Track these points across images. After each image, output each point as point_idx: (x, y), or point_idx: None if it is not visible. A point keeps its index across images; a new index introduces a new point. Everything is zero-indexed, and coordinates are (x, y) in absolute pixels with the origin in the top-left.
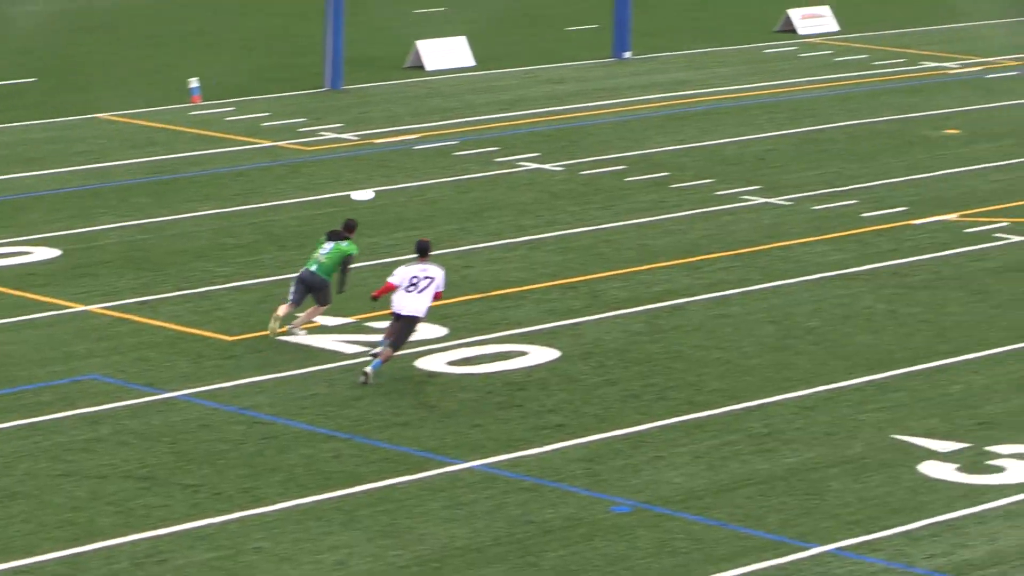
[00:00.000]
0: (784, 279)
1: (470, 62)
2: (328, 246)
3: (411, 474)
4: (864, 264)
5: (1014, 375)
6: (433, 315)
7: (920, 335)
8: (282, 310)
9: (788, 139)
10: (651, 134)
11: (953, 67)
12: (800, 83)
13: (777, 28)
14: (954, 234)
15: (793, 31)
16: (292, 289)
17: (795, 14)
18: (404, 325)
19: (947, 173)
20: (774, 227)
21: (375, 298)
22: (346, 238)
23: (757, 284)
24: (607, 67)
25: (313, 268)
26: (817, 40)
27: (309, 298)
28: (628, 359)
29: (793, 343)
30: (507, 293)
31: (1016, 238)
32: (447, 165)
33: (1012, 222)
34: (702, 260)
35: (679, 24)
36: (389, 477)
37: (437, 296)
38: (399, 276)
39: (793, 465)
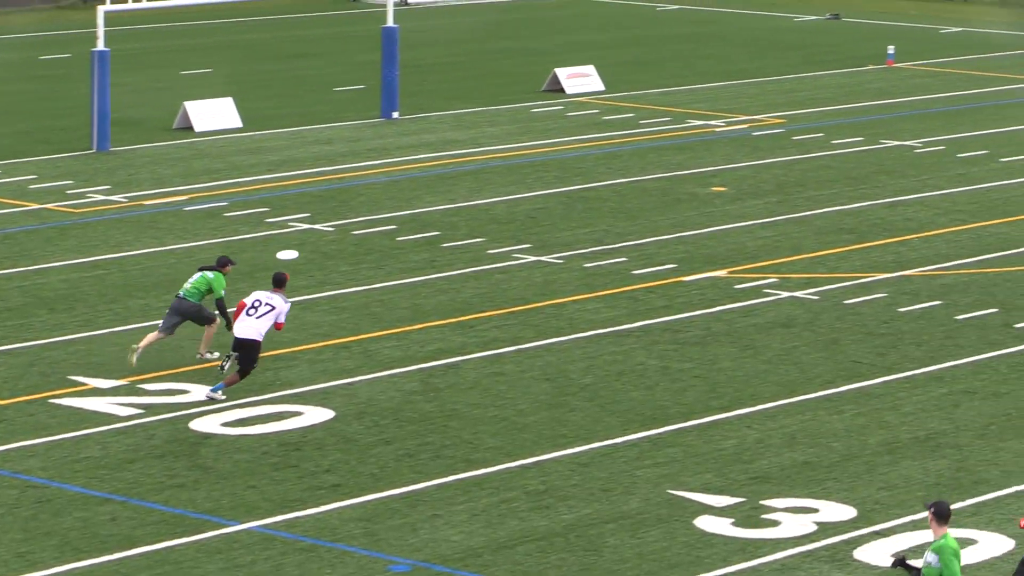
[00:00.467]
0: (557, 336)
1: (238, 123)
2: (196, 276)
3: (188, 536)
4: (636, 321)
5: (786, 429)
6: (206, 377)
7: (693, 391)
8: (148, 338)
9: (557, 197)
10: (421, 194)
11: (718, 125)
12: (568, 142)
13: (544, 88)
14: (723, 290)
15: (560, 90)
16: (163, 319)
17: (562, 73)
18: (244, 351)
19: (715, 230)
20: (546, 285)
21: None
22: (214, 270)
23: (531, 342)
24: (376, 127)
25: (181, 294)
26: (584, 99)
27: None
28: (403, 418)
29: (568, 400)
30: (280, 354)
31: (784, 294)
32: (217, 226)
33: (780, 278)
34: (475, 319)
35: (447, 85)
36: (166, 539)
37: (278, 327)
38: (249, 299)
39: (571, 521)
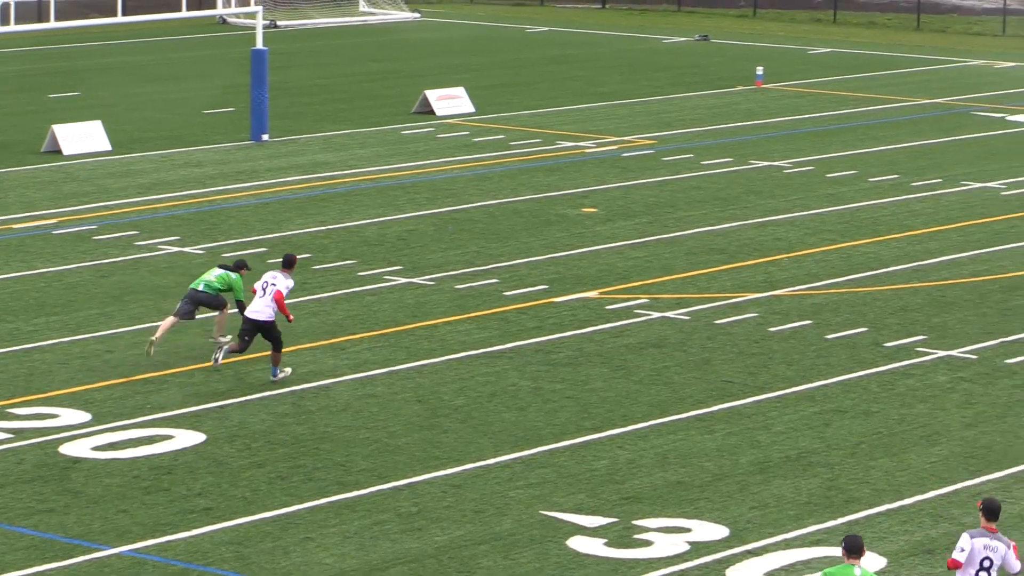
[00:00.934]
0: (429, 358)
1: (107, 147)
2: (216, 272)
3: (58, 561)
4: (508, 342)
5: (657, 450)
6: (75, 400)
7: (565, 411)
8: (163, 326)
9: (428, 219)
10: (292, 216)
11: (589, 147)
12: (438, 164)
13: (414, 110)
14: (595, 311)
15: (431, 112)
16: (178, 305)
17: (432, 95)
18: (261, 331)
19: (586, 251)
20: (418, 307)
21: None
22: (233, 270)
23: (403, 363)
24: (246, 150)
25: (199, 288)
26: (454, 121)
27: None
28: (275, 441)
29: (440, 421)
30: (150, 377)
31: (655, 314)
32: (87, 250)
33: (651, 298)
34: (346, 341)
35: (316, 107)
36: (36, 565)
37: (276, 296)
38: (259, 281)
39: (443, 543)
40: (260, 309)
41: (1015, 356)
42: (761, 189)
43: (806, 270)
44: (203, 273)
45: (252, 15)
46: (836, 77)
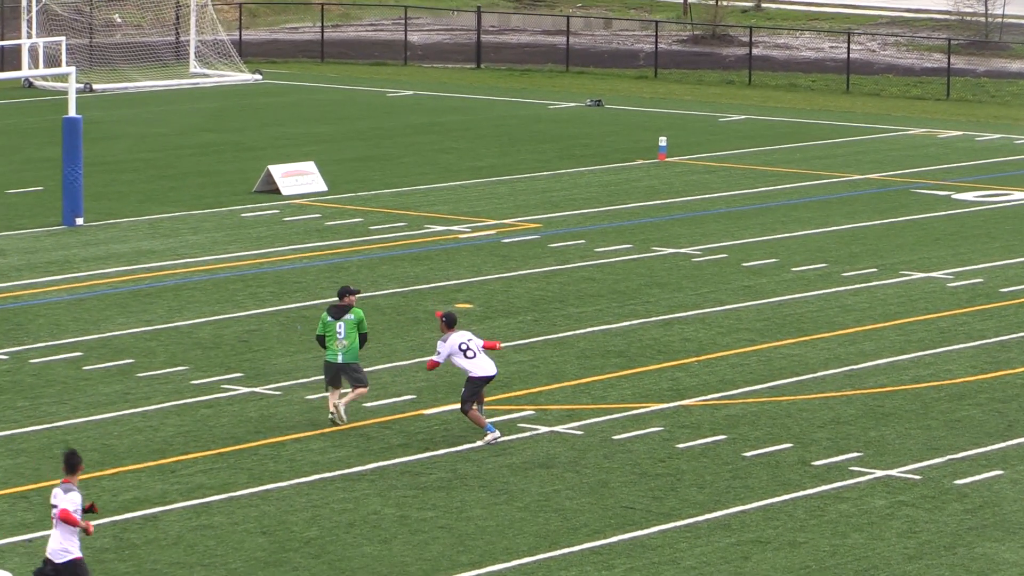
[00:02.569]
0: (276, 482)
1: None
2: (341, 327)
3: None
4: (369, 462)
5: None
6: None
7: (437, 543)
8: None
9: (273, 317)
10: (112, 314)
11: (463, 231)
12: (286, 252)
13: (256, 188)
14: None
15: (276, 191)
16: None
17: (277, 171)
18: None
19: None
20: (262, 421)
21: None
22: (349, 306)
23: (244, 488)
24: (56, 236)
25: (339, 359)
26: (303, 201)
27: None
28: None
29: (289, 557)
30: None
31: (542, 428)
32: None
33: (537, 410)
34: (177, 461)
35: (140, 185)
36: None
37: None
38: (444, 351)
39: None
40: (487, 364)
41: (965, 476)
42: (666, 281)
43: (719, 376)
44: (331, 338)
45: (63, 78)
46: (752, 148)
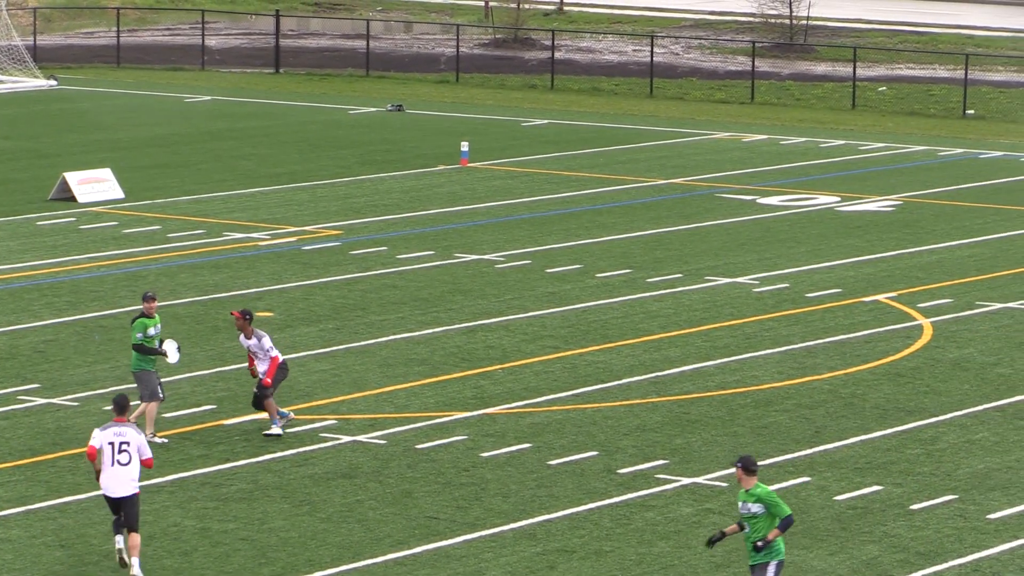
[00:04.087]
0: (74, 494)
1: None
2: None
3: None
4: (169, 474)
5: None
6: None
7: (239, 555)
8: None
9: (70, 327)
10: None
11: (263, 238)
12: (82, 260)
13: (52, 196)
14: (272, 436)
15: (72, 199)
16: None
17: (72, 179)
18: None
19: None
20: (60, 432)
21: None
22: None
23: (41, 501)
24: None
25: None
26: (100, 209)
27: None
28: None
29: (88, 570)
30: None
31: (345, 438)
32: None
33: (339, 419)
34: None
35: None
36: None
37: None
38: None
39: None
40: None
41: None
42: (469, 287)
43: (524, 383)
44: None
45: None
46: (555, 154)
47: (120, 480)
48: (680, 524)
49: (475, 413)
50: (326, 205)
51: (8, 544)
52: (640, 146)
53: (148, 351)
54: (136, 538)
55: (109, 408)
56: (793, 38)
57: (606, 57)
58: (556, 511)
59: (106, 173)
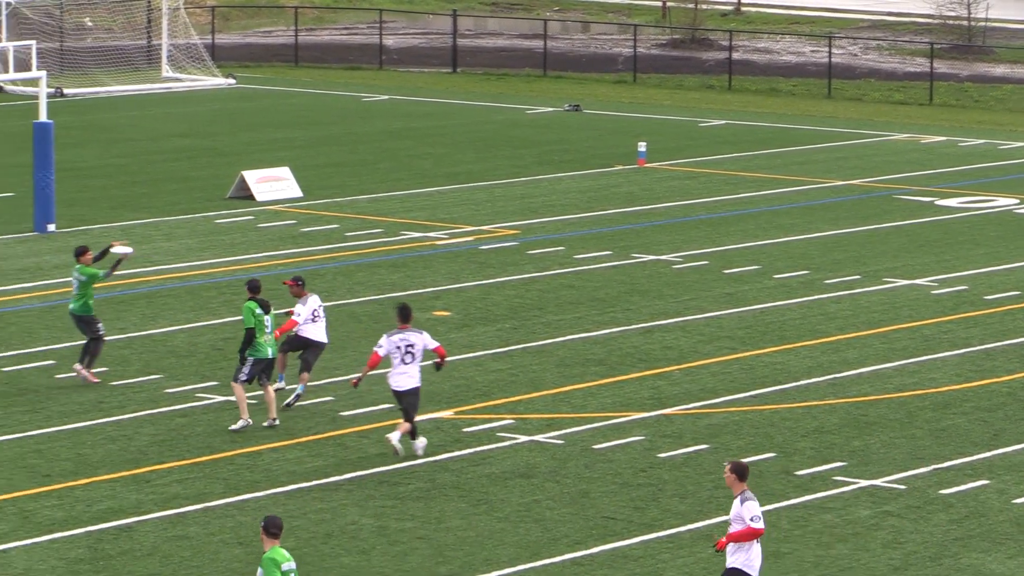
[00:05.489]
0: (252, 492)
1: None
2: (269, 320)
3: None
4: (346, 472)
5: None
6: None
7: (416, 555)
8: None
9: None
10: None
11: (440, 238)
12: (260, 259)
13: (230, 194)
14: (449, 434)
15: (250, 197)
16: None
17: (251, 177)
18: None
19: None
20: (238, 429)
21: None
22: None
23: (220, 499)
24: (28, 243)
25: (270, 353)
26: (278, 208)
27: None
28: None
29: None
30: None
31: (523, 438)
32: None
33: (516, 419)
34: (152, 471)
35: (112, 191)
36: None
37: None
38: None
39: None
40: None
41: (950, 486)
42: (646, 288)
43: (701, 384)
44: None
45: (34, 82)
46: (733, 154)
47: (408, 376)
48: (858, 526)
49: (652, 414)
50: (503, 205)
51: (186, 541)
52: (818, 147)
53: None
54: (408, 426)
55: (299, 404)
56: (972, 40)
57: (784, 58)
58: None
59: (284, 172)
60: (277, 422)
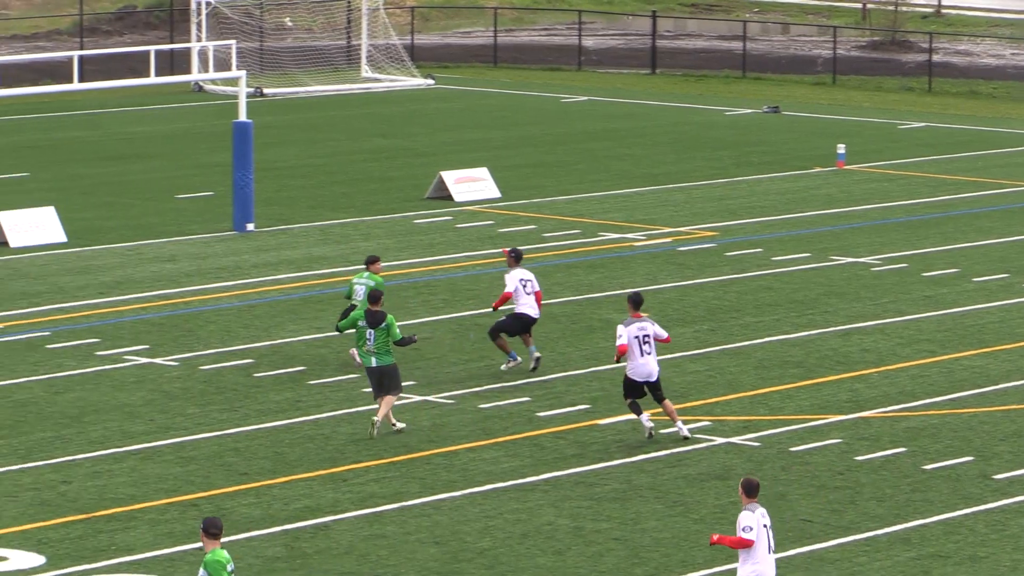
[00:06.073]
0: (448, 491)
1: (61, 237)
2: (371, 332)
3: None
4: (543, 472)
5: None
6: (26, 540)
7: (612, 555)
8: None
9: (446, 325)
10: (282, 320)
11: (638, 239)
12: (458, 259)
13: (429, 195)
14: (640, 433)
15: (448, 198)
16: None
17: (449, 177)
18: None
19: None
20: (434, 430)
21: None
22: (382, 313)
23: (416, 498)
24: (227, 242)
25: (374, 363)
26: (476, 208)
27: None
28: None
29: (462, 568)
30: (115, 513)
31: (719, 440)
32: (37, 361)
33: (713, 421)
34: (349, 470)
35: (311, 191)
36: None
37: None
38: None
39: None
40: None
41: None
42: (844, 290)
43: (899, 387)
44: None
45: (234, 81)
46: (932, 157)
47: (649, 366)
48: None
49: (850, 416)
50: (701, 206)
51: (383, 540)
52: (1018, 150)
53: (407, 342)
54: (670, 404)
55: (484, 406)
56: None
57: (984, 60)
58: (931, 516)
59: (482, 172)
60: (398, 426)
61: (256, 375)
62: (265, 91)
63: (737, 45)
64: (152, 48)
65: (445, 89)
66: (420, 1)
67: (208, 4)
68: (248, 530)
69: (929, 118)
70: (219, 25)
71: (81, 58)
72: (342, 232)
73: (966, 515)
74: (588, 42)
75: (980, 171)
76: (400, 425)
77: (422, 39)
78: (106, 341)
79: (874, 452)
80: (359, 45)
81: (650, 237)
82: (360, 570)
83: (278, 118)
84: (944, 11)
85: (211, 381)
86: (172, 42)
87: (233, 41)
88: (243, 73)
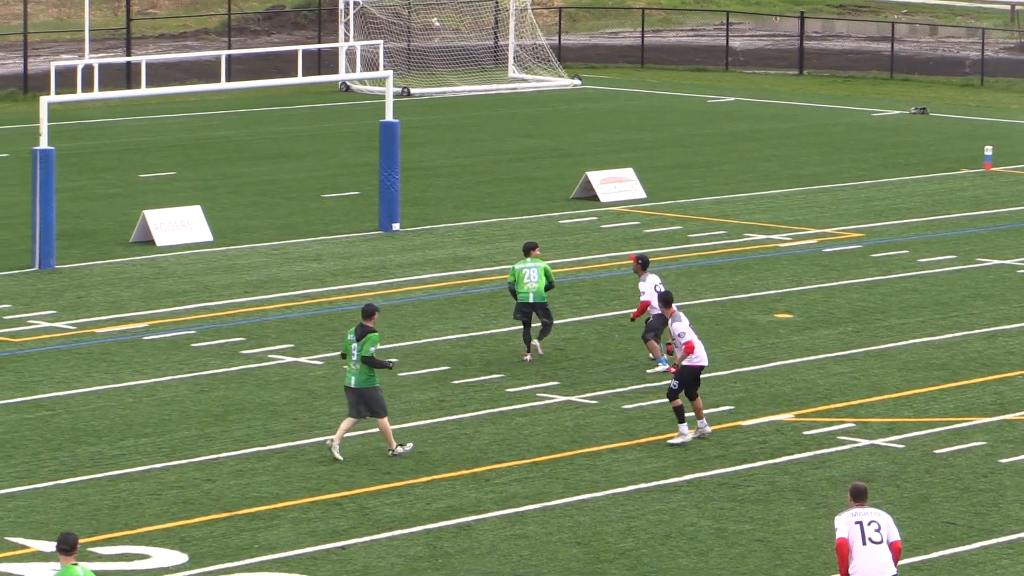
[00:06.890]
0: (591, 492)
1: (207, 236)
2: (356, 348)
3: None
4: (685, 473)
5: None
6: (169, 538)
7: (754, 557)
8: (345, 424)
9: (590, 325)
10: (427, 320)
11: (784, 240)
12: (603, 259)
13: (574, 195)
14: (790, 437)
15: (594, 198)
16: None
17: (595, 178)
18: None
19: (779, 365)
20: (577, 430)
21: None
22: (370, 330)
23: (559, 498)
24: (373, 241)
25: (352, 382)
26: (622, 209)
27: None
28: None
29: (604, 568)
30: (258, 511)
31: (863, 442)
32: (183, 359)
33: (857, 422)
34: (491, 470)
35: (457, 191)
36: None
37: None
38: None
39: None
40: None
41: None
42: (990, 292)
43: None
44: (347, 358)
45: (381, 81)
46: None
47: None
48: None
49: (995, 419)
50: (847, 208)
51: (525, 540)
52: None
53: (377, 364)
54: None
55: (627, 407)
56: None
57: None
58: None
59: (628, 173)
60: (406, 447)
61: (400, 375)
62: (412, 91)
63: (885, 46)
64: (300, 48)
65: (592, 90)
66: (568, 2)
67: (356, 4)
68: (390, 529)
69: None
70: (367, 25)
71: (229, 57)
72: (487, 232)
73: None
74: (735, 43)
75: None
76: (400, 450)
77: (569, 39)
78: (251, 340)
79: (1018, 455)
80: (506, 45)
81: (796, 238)
82: (502, 570)
83: (425, 118)
84: None
85: None
86: (320, 42)
87: (380, 41)
88: (390, 73)
